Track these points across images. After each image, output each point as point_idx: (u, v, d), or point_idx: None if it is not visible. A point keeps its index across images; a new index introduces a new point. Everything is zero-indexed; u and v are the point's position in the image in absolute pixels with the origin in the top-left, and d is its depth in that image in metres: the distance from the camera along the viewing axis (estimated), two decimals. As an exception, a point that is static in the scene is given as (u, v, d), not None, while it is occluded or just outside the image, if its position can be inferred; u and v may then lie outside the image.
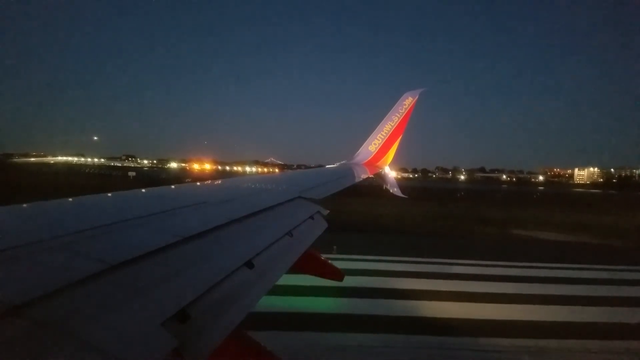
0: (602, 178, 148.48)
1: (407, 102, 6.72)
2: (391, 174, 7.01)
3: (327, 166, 6.68)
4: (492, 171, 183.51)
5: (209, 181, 3.00)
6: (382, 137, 6.76)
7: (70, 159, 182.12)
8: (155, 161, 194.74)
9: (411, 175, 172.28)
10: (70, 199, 1.64)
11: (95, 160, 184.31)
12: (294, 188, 2.83)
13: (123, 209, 1.54)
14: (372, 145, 6.83)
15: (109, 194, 1.85)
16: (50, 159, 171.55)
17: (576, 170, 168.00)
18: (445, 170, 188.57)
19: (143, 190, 2.11)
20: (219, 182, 3.11)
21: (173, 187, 2.40)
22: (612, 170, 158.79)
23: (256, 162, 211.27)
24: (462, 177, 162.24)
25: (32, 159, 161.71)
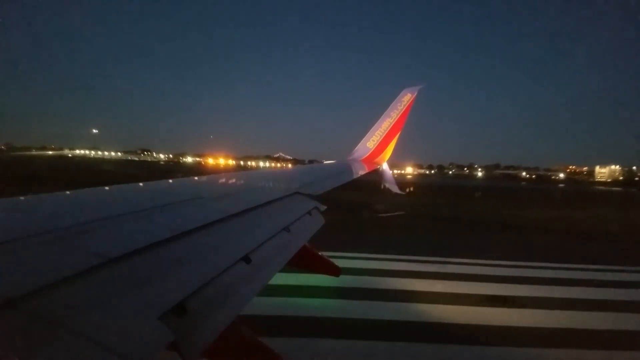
0: (624, 176, 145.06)
1: (406, 98, 6.64)
2: (389, 170, 6.89)
3: (324, 162, 6.57)
4: (507, 168, 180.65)
5: (206, 176, 2.92)
6: (381, 133, 6.71)
7: (87, 152, 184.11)
8: (171, 155, 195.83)
9: (427, 172, 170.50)
10: (67, 192, 1.61)
11: (112, 154, 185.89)
12: (291, 184, 2.82)
13: (119, 203, 1.53)
14: (371, 141, 6.78)
15: (106, 188, 1.83)
16: (68, 153, 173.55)
17: (597, 167, 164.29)
18: (461, 167, 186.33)
19: (140, 184, 2.08)
20: (216, 177, 3.06)
21: (170, 181, 2.35)
22: (634, 168, 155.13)
23: (267, 157, 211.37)
24: (480, 174, 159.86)
25: (50, 152, 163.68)
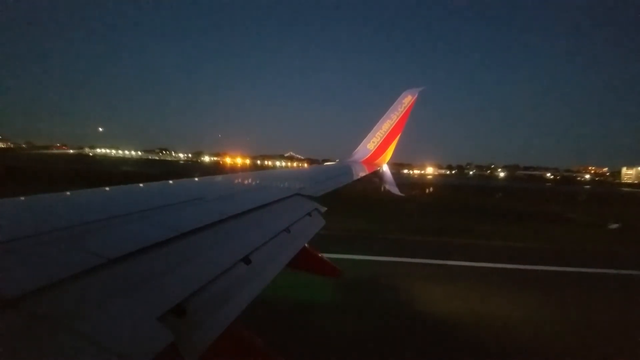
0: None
1: (406, 100, 6.68)
2: (389, 172, 6.87)
3: (325, 163, 6.47)
4: (526, 168, 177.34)
5: (206, 177, 2.88)
6: (381, 135, 6.77)
7: (107, 151, 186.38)
8: (190, 154, 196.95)
9: (447, 172, 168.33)
10: (67, 192, 1.61)
11: (132, 153, 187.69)
12: (292, 185, 2.85)
13: (119, 204, 1.55)
14: (371, 143, 6.82)
15: (106, 188, 1.83)
16: (89, 152, 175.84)
17: (623, 169, 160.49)
18: (481, 167, 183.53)
19: (140, 185, 2.07)
20: (216, 178, 3.04)
21: (170, 182, 2.36)
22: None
23: (281, 156, 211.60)
24: (502, 174, 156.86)
25: (71, 151, 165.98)
